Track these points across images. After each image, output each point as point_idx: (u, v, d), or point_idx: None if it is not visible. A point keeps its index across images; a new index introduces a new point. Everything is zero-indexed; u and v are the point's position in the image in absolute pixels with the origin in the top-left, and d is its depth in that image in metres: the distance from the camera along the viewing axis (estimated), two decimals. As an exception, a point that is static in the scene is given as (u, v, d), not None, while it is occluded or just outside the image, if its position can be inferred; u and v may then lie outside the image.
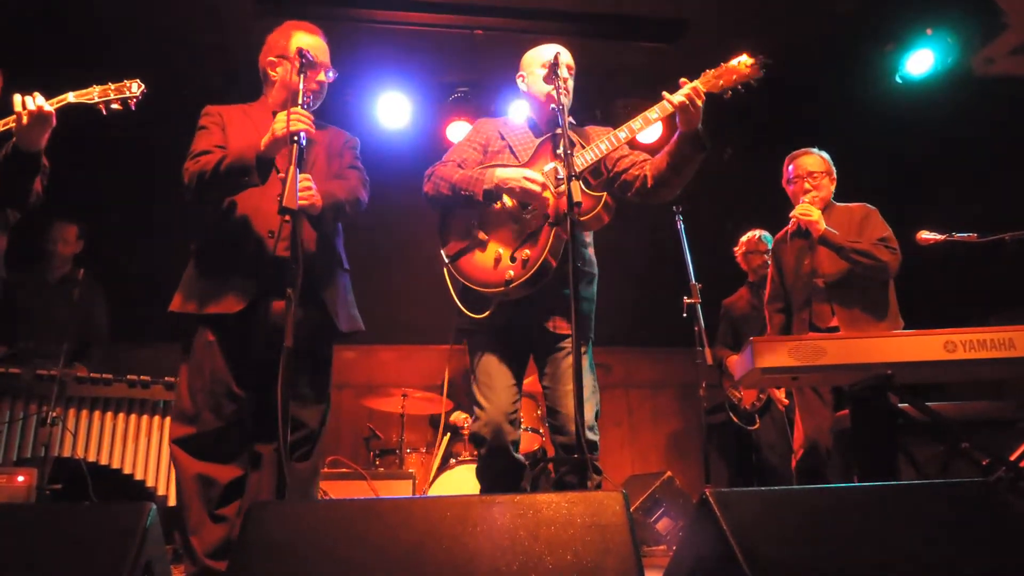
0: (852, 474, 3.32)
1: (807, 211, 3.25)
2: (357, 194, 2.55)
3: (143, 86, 2.47)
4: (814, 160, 3.44)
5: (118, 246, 4.78)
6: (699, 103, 2.36)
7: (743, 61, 2.40)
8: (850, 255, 3.17)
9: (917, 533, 1.42)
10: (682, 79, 2.41)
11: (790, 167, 3.50)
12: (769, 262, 4.39)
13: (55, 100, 2.43)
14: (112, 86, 2.46)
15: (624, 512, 1.42)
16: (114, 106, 2.46)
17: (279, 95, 2.59)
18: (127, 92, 2.45)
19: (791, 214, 3.32)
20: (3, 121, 2.43)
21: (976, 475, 2.80)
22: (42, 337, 3.86)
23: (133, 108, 2.47)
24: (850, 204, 3.42)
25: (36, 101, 2.37)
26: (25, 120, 2.36)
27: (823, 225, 3.22)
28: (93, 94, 2.44)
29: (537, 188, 2.43)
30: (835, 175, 3.46)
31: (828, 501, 1.49)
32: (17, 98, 2.38)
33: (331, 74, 2.61)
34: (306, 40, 2.56)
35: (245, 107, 2.62)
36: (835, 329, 3.21)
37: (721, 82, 2.40)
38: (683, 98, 2.35)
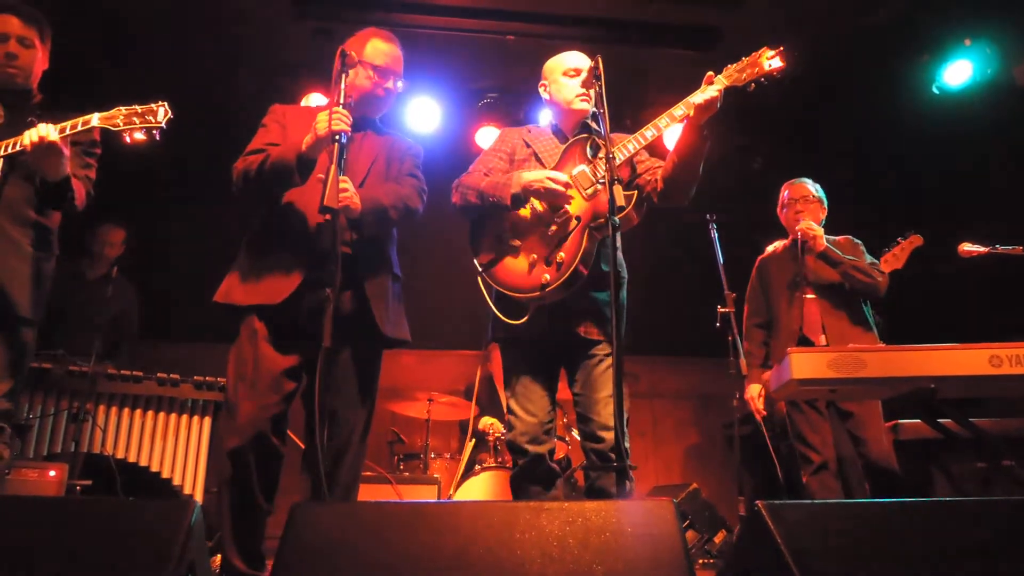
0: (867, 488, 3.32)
1: (811, 227, 3.40)
2: (408, 202, 2.52)
3: (169, 113, 2.36)
4: (809, 188, 3.62)
5: (152, 245, 4.82)
6: (720, 101, 2.39)
7: (765, 54, 2.41)
8: (848, 270, 3.32)
9: (982, 551, 1.37)
10: (708, 74, 2.43)
11: (785, 192, 3.67)
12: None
13: (80, 120, 2.38)
14: (138, 109, 2.37)
15: (675, 522, 1.38)
16: (138, 135, 2.38)
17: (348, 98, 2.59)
18: (152, 120, 2.35)
19: (796, 227, 3.44)
20: (12, 141, 2.38)
21: (1020, 494, 2.73)
22: (76, 334, 3.89)
23: (157, 138, 2.38)
24: (836, 237, 3.56)
25: (39, 132, 2.30)
26: (30, 150, 2.31)
27: (824, 241, 3.37)
28: (118, 119, 2.37)
29: (560, 188, 2.43)
30: (826, 208, 3.61)
31: (886, 515, 1.44)
32: (26, 137, 2.32)
33: (400, 84, 2.61)
34: (382, 47, 2.57)
35: (313, 108, 2.62)
36: (822, 342, 3.33)
37: (744, 76, 2.42)
38: (710, 97, 2.37)
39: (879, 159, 5.12)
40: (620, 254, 2.66)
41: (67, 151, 2.37)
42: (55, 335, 3.84)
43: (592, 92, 2.61)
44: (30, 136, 2.31)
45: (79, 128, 2.37)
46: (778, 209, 3.73)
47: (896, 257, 3.83)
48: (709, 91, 2.38)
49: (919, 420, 3.30)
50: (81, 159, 2.58)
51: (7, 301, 2.40)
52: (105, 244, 4.24)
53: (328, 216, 2.13)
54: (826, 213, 3.59)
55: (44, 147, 2.31)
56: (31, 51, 2.60)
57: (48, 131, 2.31)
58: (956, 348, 2.52)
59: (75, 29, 4.07)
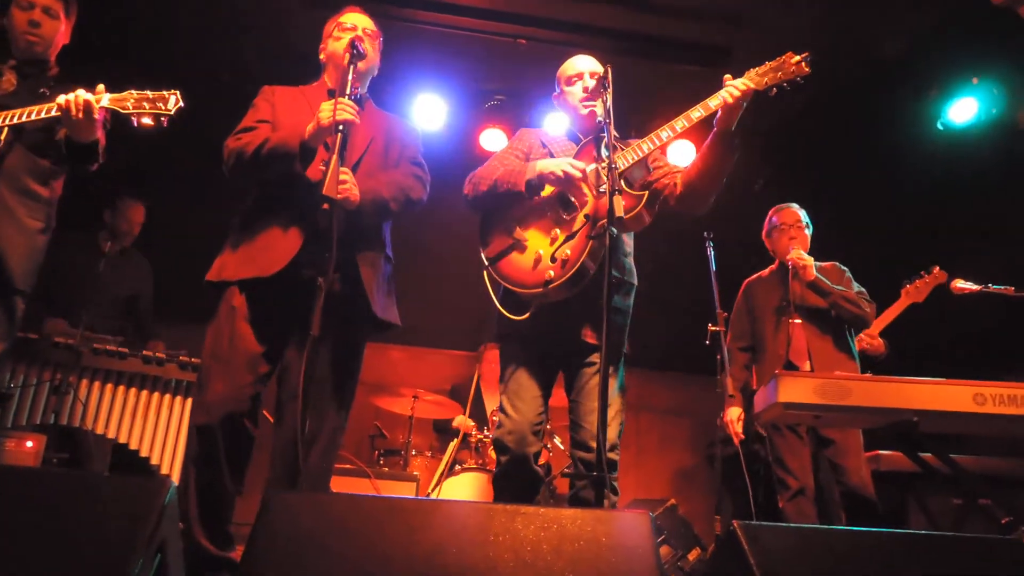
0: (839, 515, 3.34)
1: (802, 256, 3.43)
2: (410, 193, 2.51)
3: (181, 102, 2.38)
4: (797, 214, 3.66)
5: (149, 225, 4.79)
6: (743, 102, 2.33)
7: (790, 59, 2.36)
8: (838, 300, 3.37)
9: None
10: (726, 76, 2.39)
11: (774, 217, 3.70)
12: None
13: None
14: (149, 95, 2.39)
15: (650, 535, 1.38)
16: (146, 120, 2.39)
17: (332, 74, 2.59)
18: (161, 108, 2.37)
19: (788, 256, 3.46)
20: (46, 107, 2.41)
21: (994, 532, 2.74)
22: (91, 308, 3.89)
23: (165, 125, 2.40)
24: (823, 263, 3.60)
25: (79, 95, 2.35)
26: (64, 108, 2.35)
27: (814, 271, 3.40)
28: (128, 102, 2.38)
29: (579, 174, 2.42)
30: (811, 232, 3.67)
31: (861, 544, 1.44)
32: (61, 99, 2.37)
33: (376, 43, 2.61)
34: (357, 15, 2.59)
35: (304, 88, 2.61)
36: (807, 368, 3.39)
37: (766, 80, 2.36)
38: (732, 94, 2.32)
39: (878, 189, 5.11)
40: (631, 260, 2.65)
41: (99, 117, 2.41)
42: (59, 305, 3.82)
43: (600, 102, 2.60)
44: (67, 98, 2.35)
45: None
46: (763, 233, 3.77)
47: (918, 290, 3.81)
48: (736, 85, 2.31)
49: (898, 452, 3.32)
50: None
51: (3, 270, 2.41)
52: (132, 223, 4.22)
53: (326, 206, 2.12)
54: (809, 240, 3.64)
55: (80, 111, 2.35)
56: (54, 22, 2.62)
57: (87, 96, 2.35)
58: (941, 383, 2.54)
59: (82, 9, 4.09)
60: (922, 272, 3.88)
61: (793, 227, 3.59)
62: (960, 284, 3.41)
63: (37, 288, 2.96)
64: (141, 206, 4.27)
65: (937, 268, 3.84)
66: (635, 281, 2.63)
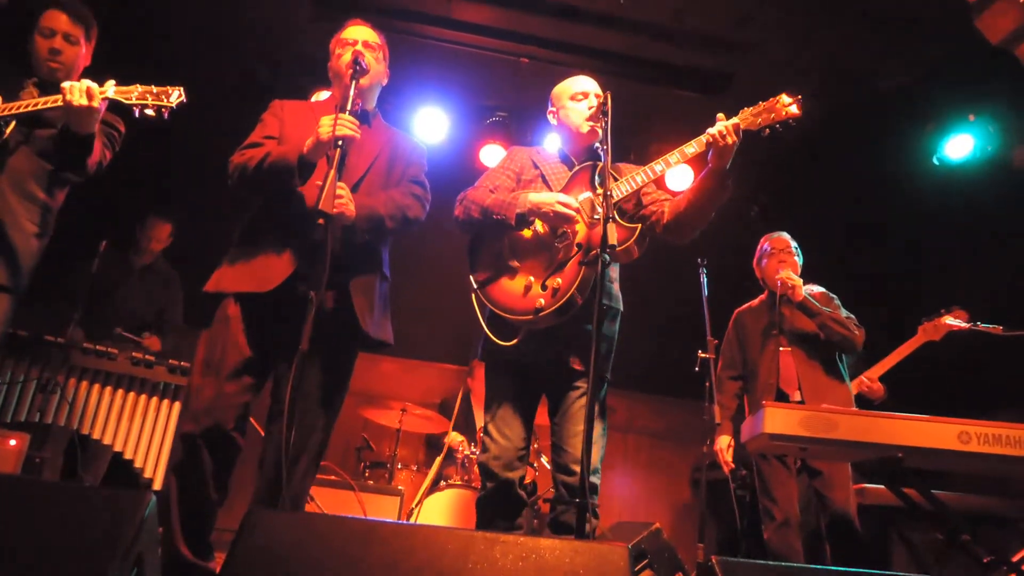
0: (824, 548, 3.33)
1: (791, 276, 3.44)
2: (407, 212, 2.50)
3: (183, 96, 2.42)
4: (788, 241, 3.69)
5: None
6: (733, 139, 2.35)
7: (782, 101, 2.39)
8: (827, 322, 3.35)
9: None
10: (719, 115, 2.41)
11: (766, 244, 3.72)
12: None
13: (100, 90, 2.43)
14: (154, 89, 2.43)
15: (628, 568, 1.38)
16: (148, 111, 2.43)
17: (337, 89, 2.60)
18: (164, 100, 2.40)
19: (776, 276, 3.46)
20: (52, 99, 2.44)
21: (976, 569, 2.74)
22: (118, 320, 4.01)
23: (167, 118, 2.43)
24: (813, 291, 3.60)
25: (84, 84, 2.37)
26: (67, 96, 2.37)
27: (803, 292, 3.40)
28: (132, 94, 2.42)
29: (571, 212, 2.42)
30: (801, 261, 3.70)
31: (837, 585, 1.45)
32: (66, 84, 2.38)
33: (385, 55, 2.62)
34: (361, 28, 2.60)
35: (313, 103, 2.62)
36: (797, 395, 3.38)
37: (759, 120, 2.39)
38: (720, 131, 2.34)
39: (873, 220, 5.13)
40: (616, 287, 2.66)
41: (101, 108, 2.43)
42: (89, 317, 3.83)
43: (599, 126, 2.61)
44: (72, 83, 2.37)
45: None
46: (755, 261, 3.78)
47: (936, 328, 3.75)
48: (727, 122, 2.34)
49: (883, 486, 3.32)
50: (101, 127, 2.61)
51: (16, 270, 2.44)
52: (152, 239, 4.31)
53: (322, 221, 2.12)
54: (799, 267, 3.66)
55: (83, 95, 2.37)
56: (75, 48, 2.68)
57: (90, 83, 2.38)
58: (926, 420, 2.54)
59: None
60: (942, 310, 3.83)
61: (783, 252, 3.61)
62: (949, 320, 3.43)
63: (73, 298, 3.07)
64: (166, 224, 4.35)
65: (957, 308, 3.79)
66: (620, 307, 2.64)
